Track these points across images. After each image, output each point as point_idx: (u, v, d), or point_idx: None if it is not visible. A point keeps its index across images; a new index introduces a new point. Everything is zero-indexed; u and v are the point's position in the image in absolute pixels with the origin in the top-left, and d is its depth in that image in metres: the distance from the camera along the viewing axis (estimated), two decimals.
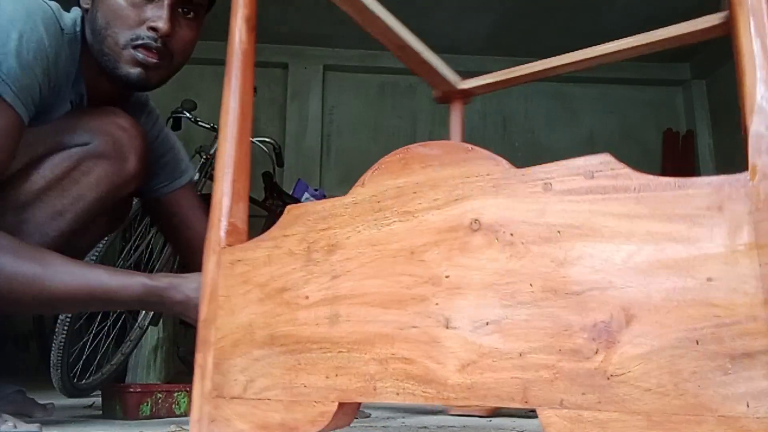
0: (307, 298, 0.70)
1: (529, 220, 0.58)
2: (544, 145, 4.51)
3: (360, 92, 4.70)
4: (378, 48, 4.62)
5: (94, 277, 0.94)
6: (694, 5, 3.25)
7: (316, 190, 3.02)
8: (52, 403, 1.28)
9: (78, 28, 1.04)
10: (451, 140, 1.44)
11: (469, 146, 0.64)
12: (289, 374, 0.69)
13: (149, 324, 2.09)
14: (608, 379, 0.52)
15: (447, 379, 0.59)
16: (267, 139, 2.95)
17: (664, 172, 4.44)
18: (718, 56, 4.27)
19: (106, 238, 1.67)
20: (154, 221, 1.40)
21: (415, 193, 0.66)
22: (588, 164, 0.57)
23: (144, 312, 2.11)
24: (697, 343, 0.49)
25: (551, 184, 0.58)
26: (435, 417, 1.25)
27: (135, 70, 1.03)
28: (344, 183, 4.45)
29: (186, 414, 1.29)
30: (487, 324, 0.58)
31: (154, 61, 1.03)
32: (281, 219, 0.75)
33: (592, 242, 0.55)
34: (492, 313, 0.58)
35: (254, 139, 2.92)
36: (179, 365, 2.66)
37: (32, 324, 2.39)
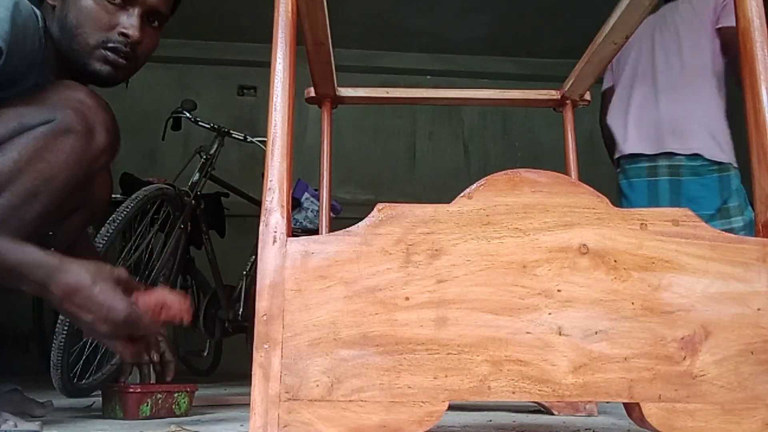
0: (407, 299, 0.71)
1: (629, 250, 0.73)
2: (544, 145, 4.32)
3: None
4: (378, 48, 4.21)
5: (15, 250, 0.89)
6: None
7: (316, 190, 2.59)
8: (51, 401, 1.27)
9: (41, 22, 1.06)
10: (323, 143, 1.47)
11: (576, 181, 0.75)
12: (388, 375, 0.69)
13: None
14: (693, 378, 0.70)
15: (561, 379, 0.70)
16: (267, 139, 2.46)
17: None
18: None
19: (106, 238, 1.62)
20: None
21: (525, 213, 0.73)
22: (675, 213, 0.74)
23: None
24: (752, 353, 0.71)
25: (647, 225, 0.74)
26: None
27: (105, 68, 1.09)
28: (344, 183, 4.01)
29: (186, 414, 1.26)
30: (596, 333, 0.71)
31: (123, 62, 1.09)
32: (371, 216, 0.73)
33: (679, 274, 0.72)
34: (600, 324, 0.71)
35: (254, 139, 2.56)
36: (179, 365, 2.56)
37: (32, 324, 2.36)
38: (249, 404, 1.68)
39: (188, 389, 1.29)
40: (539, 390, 0.69)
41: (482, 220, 0.73)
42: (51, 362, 1.59)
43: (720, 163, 1.96)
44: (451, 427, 1.09)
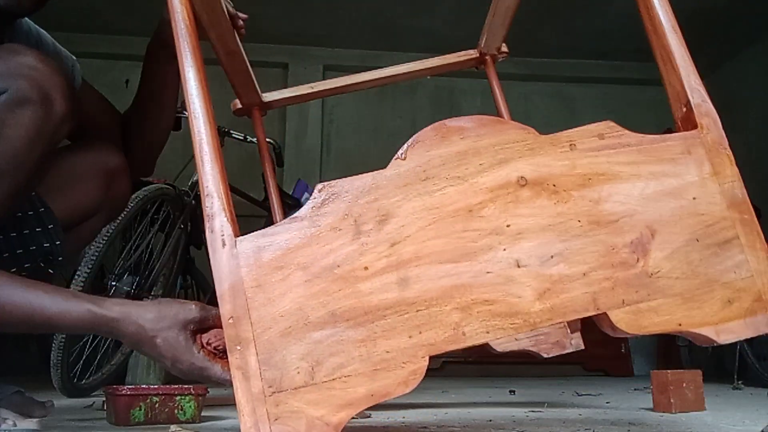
0: (366, 269, 0.72)
1: (565, 172, 0.75)
2: None
3: (360, 92, 3.90)
4: (378, 48, 4.17)
5: (35, 301, 0.84)
6: (694, 5, 3.53)
7: None
8: (51, 401, 1.25)
9: None
10: (261, 151, 1.46)
11: (499, 118, 0.77)
12: (364, 346, 0.70)
13: None
14: (650, 277, 0.73)
15: (529, 308, 0.72)
16: (267, 139, 2.42)
17: None
18: (718, 56, 4.20)
19: (106, 238, 1.61)
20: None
21: (459, 160, 0.75)
22: (598, 128, 0.77)
23: None
24: (697, 240, 0.74)
25: (575, 145, 0.76)
26: (435, 416, 1.26)
27: None
28: None
29: (193, 420, 1.14)
30: (552, 257, 0.73)
31: None
32: (312, 198, 0.73)
33: (615, 183, 0.75)
34: (553, 248, 0.73)
35: (254, 139, 2.43)
36: None
37: None
38: None
39: (193, 392, 1.17)
40: (511, 323, 0.71)
41: (420, 176, 0.75)
42: (51, 362, 1.58)
43: None
44: (451, 427, 1.10)
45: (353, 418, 1.21)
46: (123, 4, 3.67)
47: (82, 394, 1.74)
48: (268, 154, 1.49)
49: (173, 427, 0.99)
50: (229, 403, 1.56)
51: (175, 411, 1.15)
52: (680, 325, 0.72)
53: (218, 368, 0.84)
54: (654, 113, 4.93)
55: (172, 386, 1.18)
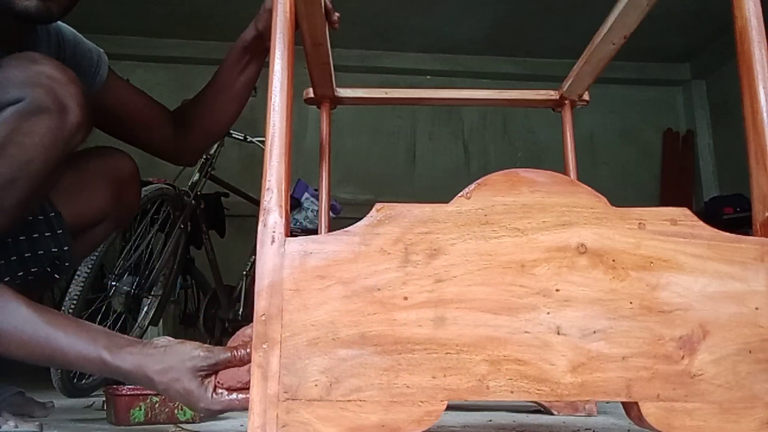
0: (405, 299, 0.71)
1: (628, 250, 0.73)
2: (544, 145, 4.32)
3: None
4: (378, 48, 4.22)
5: (56, 342, 0.84)
6: (689, 7, 3.46)
7: (316, 190, 2.62)
8: (52, 402, 1.26)
9: None
10: (323, 143, 1.47)
11: (574, 180, 0.75)
12: (387, 375, 0.69)
13: (149, 324, 2.02)
14: (692, 378, 0.70)
15: (560, 378, 0.70)
16: (263, 139, 2.51)
17: (664, 171, 4.49)
18: (719, 56, 4.14)
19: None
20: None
21: (524, 212, 0.74)
22: (672, 213, 0.74)
23: (144, 312, 2.04)
24: (750, 352, 0.71)
25: (645, 224, 0.74)
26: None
27: (32, 3, 0.99)
28: (344, 183, 4.02)
29: (193, 420, 1.13)
30: (594, 332, 0.71)
31: None
32: (369, 216, 0.73)
33: (677, 274, 0.72)
34: (598, 323, 0.71)
35: (254, 139, 2.58)
36: None
37: None
38: None
39: None
40: (538, 389, 0.69)
41: (480, 219, 0.73)
42: None
43: None
44: (451, 427, 1.09)
45: None
46: (122, 4, 3.70)
47: (82, 394, 1.73)
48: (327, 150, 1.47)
49: (173, 427, 0.99)
50: None
51: (175, 411, 1.14)
52: None
53: (236, 399, 0.78)
54: (654, 113, 4.84)
55: None
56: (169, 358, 0.78)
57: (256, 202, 3.28)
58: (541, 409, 1.39)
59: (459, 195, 0.74)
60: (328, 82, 1.39)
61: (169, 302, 2.30)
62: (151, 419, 1.11)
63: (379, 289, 0.71)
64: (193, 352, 0.78)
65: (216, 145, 2.53)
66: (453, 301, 0.71)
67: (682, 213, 0.74)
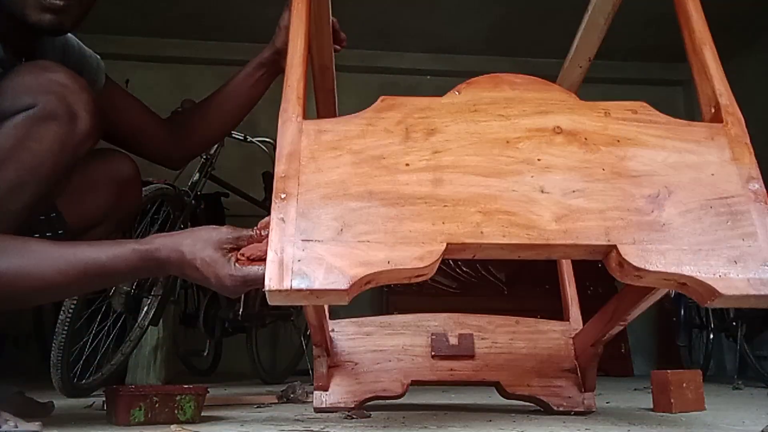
0: (407, 165, 0.82)
1: (597, 131, 0.85)
2: None
3: (360, 92, 4.15)
4: (378, 48, 4.32)
5: (84, 254, 0.89)
6: None
7: None
8: (52, 402, 1.26)
9: None
10: None
11: (548, 82, 0.89)
12: (392, 222, 0.78)
13: (149, 324, 2.03)
14: (662, 226, 0.79)
15: (546, 226, 0.78)
16: (267, 139, 2.70)
17: None
18: (719, 56, 4.58)
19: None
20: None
21: (506, 104, 0.87)
22: (633, 105, 0.88)
23: (144, 311, 2.02)
24: (711, 207, 0.80)
25: (610, 113, 0.87)
26: (435, 416, 1.26)
27: (45, 17, 1.03)
28: None
29: (193, 420, 1.14)
30: (573, 192, 0.81)
31: (60, 3, 1.03)
32: (375, 105, 0.86)
33: (641, 148, 0.84)
34: (576, 185, 0.81)
35: (254, 139, 2.66)
36: (180, 365, 2.67)
37: (32, 324, 2.46)
38: (253, 404, 1.66)
39: (194, 392, 1.17)
40: (527, 234, 0.78)
41: (470, 108, 0.86)
42: (51, 362, 1.58)
43: None
44: (452, 427, 1.11)
45: (352, 417, 1.21)
46: (123, 4, 3.63)
47: (82, 394, 1.73)
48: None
49: (173, 427, 0.99)
50: (229, 403, 1.58)
51: (175, 411, 1.14)
52: (686, 271, 0.76)
53: (256, 268, 0.87)
54: None
55: (172, 386, 1.19)
56: (197, 233, 0.87)
57: (256, 202, 3.29)
58: (540, 409, 1.39)
59: (450, 91, 0.88)
60: (331, 112, 1.56)
61: (169, 302, 2.24)
62: (151, 419, 1.11)
63: (384, 158, 0.82)
64: (218, 229, 0.87)
65: (216, 145, 2.55)
66: (449, 167, 0.82)
67: (640, 105, 0.88)
